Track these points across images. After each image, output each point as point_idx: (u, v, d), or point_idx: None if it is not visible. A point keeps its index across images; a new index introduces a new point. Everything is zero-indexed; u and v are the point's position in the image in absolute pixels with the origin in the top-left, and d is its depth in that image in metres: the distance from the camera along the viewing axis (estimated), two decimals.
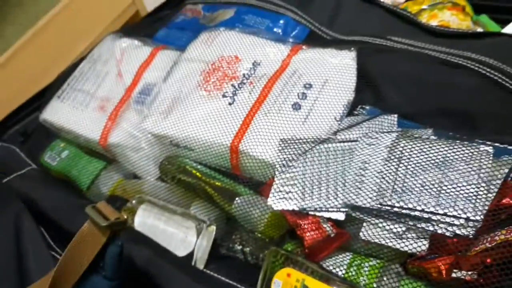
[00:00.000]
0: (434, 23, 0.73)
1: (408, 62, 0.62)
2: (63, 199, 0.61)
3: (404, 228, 0.44)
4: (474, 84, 0.59)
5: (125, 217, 0.44)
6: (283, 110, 0.58)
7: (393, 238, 0.45)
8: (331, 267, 0.48)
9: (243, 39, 0.66)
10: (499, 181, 0.44)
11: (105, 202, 0.46)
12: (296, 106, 0.58)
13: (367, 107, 0.59)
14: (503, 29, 0.71)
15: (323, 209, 0.49)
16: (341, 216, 0.48)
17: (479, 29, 0.72)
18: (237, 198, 0.54)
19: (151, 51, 0.73)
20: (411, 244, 0.44)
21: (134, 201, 0.61)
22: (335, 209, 0.48)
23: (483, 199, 0.43)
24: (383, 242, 0.45)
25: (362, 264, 0.46)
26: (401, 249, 0.45)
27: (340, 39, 0.69)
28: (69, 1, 1.06)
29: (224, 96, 0.61)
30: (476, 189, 0.43)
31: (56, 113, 0.73)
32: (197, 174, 0.59)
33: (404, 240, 0.44)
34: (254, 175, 0.57)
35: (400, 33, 0.70)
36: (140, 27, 0.92)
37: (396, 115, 0.55)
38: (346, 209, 0.48)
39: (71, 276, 0.43)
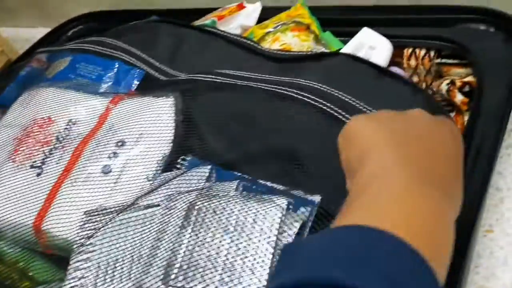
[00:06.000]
0: (276, 46, 0.68)
1: (233, 100, 0.57)
2: None
3: None
4: (301, 118, 0.54)
5: None
6: (92, 175, 0.52)
7: None
8: None
9: (58, 97, 0.60)
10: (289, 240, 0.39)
11: None
12: (106, 169, 0.52)
13: (188, 158, 0.54)
14: (344, 46, 0.67)
15: None
16: None
17: (322, 48, 0.68)
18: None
19: None
20: None
21: None
22: None
23: (266, 271, 0.38)
24: None
25: None
26: None
27: (172, 80, 0.64)
28: None
29: (32, 166, 0.55)
30: (262, 257, 0.38)
31: None
32: (7, 261, 0.52)
33: None
34: (67, 256, 0.51)
35: (240, 63, 0.65)
36: None
37: (208, 167, 0.50)
38: None
39: None
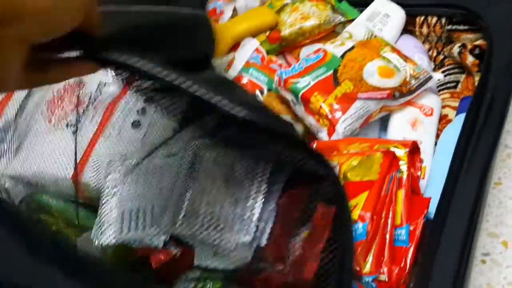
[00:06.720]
0: (296, 16, 0.71)
1: None
2: None
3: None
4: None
5: None
6: (123, 130, 0.56)
7: (210, 259, 0.43)
8: None
9: None
10: None
11: None
12: (136, 124, 0.56)
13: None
14: (360, 15, 0.70)
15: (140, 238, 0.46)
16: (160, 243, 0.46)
17: (339, 17, 0.70)
18: (81, 237, 0.52)
19: None
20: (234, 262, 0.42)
21: None
22: (152, 237, 0.46)
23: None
24: (207, 264, 0.43)
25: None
26: (227, 267, 0.43)
27: None
28: None
29: (68, 125, 0.59)
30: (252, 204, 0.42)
31: None
32: (52, 211, 0.56)
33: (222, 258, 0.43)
34: None
35: None
36: None
37: None
38: (163, 236, 0.46)
39: None
